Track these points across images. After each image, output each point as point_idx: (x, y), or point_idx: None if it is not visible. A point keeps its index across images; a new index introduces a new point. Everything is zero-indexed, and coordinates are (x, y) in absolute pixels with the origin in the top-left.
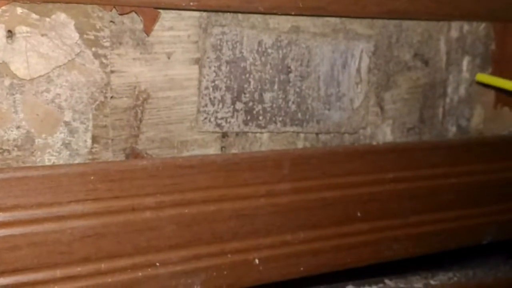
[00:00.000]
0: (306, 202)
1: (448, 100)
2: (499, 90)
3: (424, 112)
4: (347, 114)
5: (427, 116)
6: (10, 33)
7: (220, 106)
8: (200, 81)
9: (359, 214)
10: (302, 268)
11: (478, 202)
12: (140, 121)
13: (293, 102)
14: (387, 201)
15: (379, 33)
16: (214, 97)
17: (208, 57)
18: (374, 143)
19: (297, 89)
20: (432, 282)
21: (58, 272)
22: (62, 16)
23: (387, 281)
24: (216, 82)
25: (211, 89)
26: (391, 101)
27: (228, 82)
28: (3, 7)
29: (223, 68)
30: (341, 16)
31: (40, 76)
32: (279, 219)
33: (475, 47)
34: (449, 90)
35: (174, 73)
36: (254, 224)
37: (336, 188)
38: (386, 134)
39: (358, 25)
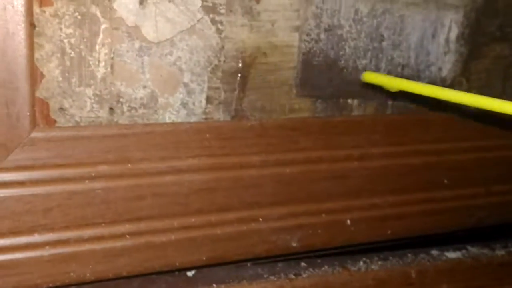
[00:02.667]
0: (396, 167)
1: None
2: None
3: (507, 84)
4: (435, 82)
5: (509, 86)
6: None
7: (317, 72)
8: (299, 48)
9: (445, 181)
10: (389, 231)
11: None
12: (245, 84)
13: (384, 70)
14: (472, 169)
15: (468, 4)
16: (312, 63)
17: (308, 25)
18: (458, 112)
19: (389, 57)
20: None
21: (176, 222)
22: None
23: (469, 247)
24: (315, 49)
25: (309, 55)
26: (475, 71)
27: (326, 49)
28: None
29: (321, 35)
30: None
31: (166, 39)
32: (370, 182)
33: None
34: None
35: (276, 40)
36: (347, 186)
37: (425, 155)
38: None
39: None
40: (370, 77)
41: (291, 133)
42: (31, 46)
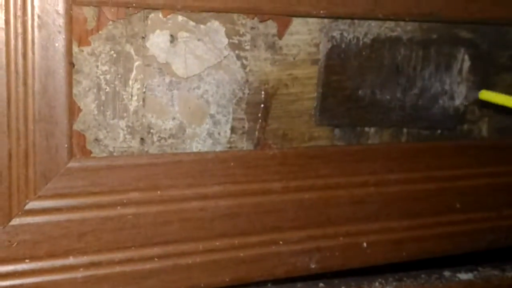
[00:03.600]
0: (410, 192)
1: None
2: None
3: None
4: (448, 111)
5: None
6: (172, 38)
7: (335, 102)
8: (319, 79)
9: (458, 206)
10: (404, 253)
11: None
12: (267, 114)
13: (399, 100)
14: (484, 194)
15: (480, 37)
16: (331, 94)
17: (326, 58)
18: (472, 139)
19: (404, 87)
20: None
21: (201, 246)
22: (215, 24)
23: (480, 268)
24: (333, 80)
25: (328, 86)
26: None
27: (342, 81)
28: (168, 16)
29: (338, 68)
30: (448, 22)
31: (194, 75)
32: (386, 207)
33: None
34: None
35: (297, 72)
36: (364, 211)
37: (439, 180)
38: (481, 131)
39: (461, 29)
40: (488, 95)
41: (310, 161)
42: (70, 83)
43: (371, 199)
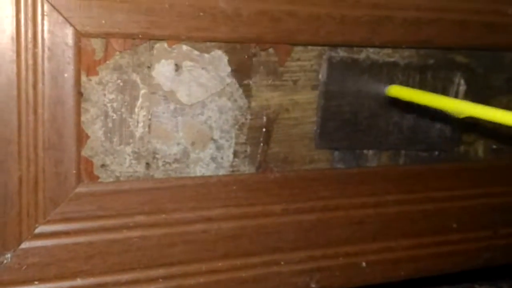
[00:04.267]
0: (409, 213)
1: None
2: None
3: None
4: (444, 134)
5: None
6: (177, 67)
7: (335, 126)
8: (319, 104)
9: (454, 225)
10: (402, 272)
11: None
12: (269, 138)
13: (396, 123)
14: (480, 214)
15: (475, 61)
16: (330, 118)
17: (325, 83)
18: (468, 161)
19: (401, 111)
20: None
21: (204, 267)
22: (218, 53)
23: (477, 286)
24: (333, 105)
25: (328, 111)
26: (483, 123)
27: (342, 105)
28: (173, 46)
29: (337, 93)
30: (444, 49)
31: (198, 102)
32: (385, 227)
33: None
34: None
35: (298, 97)
36: (363, 231)
37: (436, 201)
38: (477, 153)
39: (457, 55)
40: (397, 91)
41: (311, 183)
42: (78, 112)
43: (370, 220)
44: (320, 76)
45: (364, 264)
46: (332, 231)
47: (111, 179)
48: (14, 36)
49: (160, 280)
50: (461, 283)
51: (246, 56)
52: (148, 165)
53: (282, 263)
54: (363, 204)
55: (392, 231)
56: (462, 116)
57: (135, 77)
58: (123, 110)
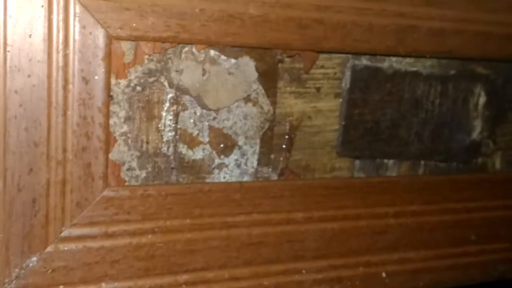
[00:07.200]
0: (428, 224)
1: None
2: None
3: None
4: (463, 145)
5: None
6: (204, 71)
7: (356, 134)
8: (341, 112)
9: (473, 237)
10: (421, 283)
11: None
12: (292, 145)
13: (417, 133)
14: (499, 226)
15: (495, 73)
16: (352, 126)
17: (348, 91)
18: (486, 173)
19: (422, 122)
20: None
21: (226, 273)
22: (246, 58)
23: None
24: (355, 113)
25: (350, 119)
26: (501, 134)
27: (364, 113)
28: (201, 50)
29: (360, 102)
30: (467, 59)
31: (224, 107)
32: (405, 238)
33: None
34: None
35: (320, 105)
36: (384, 241)
37: (455, 212)
38: (495, 165)
39: (477, 65)
40: None
41: (333, 192)
42: (107, 114)
43: (391, 230)
44: (343, 84)
45: (384, 274)
46: (354, 240)
47: (137, 183)
48: (46, 37)
49: (184, 286)
50: None
51: (272, 62)
52: (173, 169)
53: (304, 271)
54: (384, 214)
55: (412, 242)
56: None
57: (163, 80)
58: (150, 113)
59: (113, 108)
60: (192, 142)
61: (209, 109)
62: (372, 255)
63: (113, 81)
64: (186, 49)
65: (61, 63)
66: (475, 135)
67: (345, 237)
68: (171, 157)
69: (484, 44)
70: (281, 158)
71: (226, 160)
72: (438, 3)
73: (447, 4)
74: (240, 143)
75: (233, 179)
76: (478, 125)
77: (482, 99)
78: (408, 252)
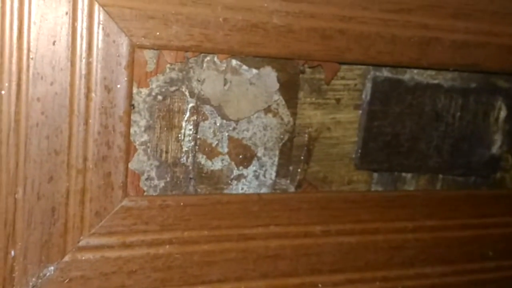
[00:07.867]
0: (446, 239)
1: None
2: None
3: None
4: (482, 159)
5: None
6: (226, 81)
7: (375, 147)
8: (360, 124)
9: (490, 253)
10: None
11: None
12: (310, 156)
13: (436, 147)
14: None
15: None
16: (371, 139)
17: (369, 103)
18: (504, 188)
19: (442, 135)
20: None
21: (243, 286)
22: (267, 69)
23: None
24: (373, 126)
25: (369, 132)
26: None
27: (383, 126)
28: (223, 60)
29: (379, 114)
30: (490, 72)
31: (244, 117)
32: (422, 253)
33: None
34: None
35: (340, 116)
36: (401, 256)
37: (473, 228)
38: None
39: (498, 79)
40: None
41: (351, 205)
42: (128, 123)
43: (408, 245)
44: (363, 95)
45: None
46: (371, 254)
47: (156, 193)
48: (70, 44)
49: None
50: None
51: (293, 73)
52: (192, 180)
53: (320, 285)
54: (402, 228)
55: (429, 257)
56: None
57: (184, 90)
58: (170, 123)
59: (134, 117)
60: (211, 153)
61: (229, 120)
62: (389, 270)
63: (134, 90)
64: (208, 58)
65: (84, 71)
66: (494, 149)
67: (362, 251)
68: (190, 167)
69: (508, 57)
70: (299, 170)
71: (244, 172)
72: (463, 16)
73: (472, 16)
74: (259, 154)
75: (251, 191)
76: (498, 139)
77: (503, 113)
78: (425, 267)
